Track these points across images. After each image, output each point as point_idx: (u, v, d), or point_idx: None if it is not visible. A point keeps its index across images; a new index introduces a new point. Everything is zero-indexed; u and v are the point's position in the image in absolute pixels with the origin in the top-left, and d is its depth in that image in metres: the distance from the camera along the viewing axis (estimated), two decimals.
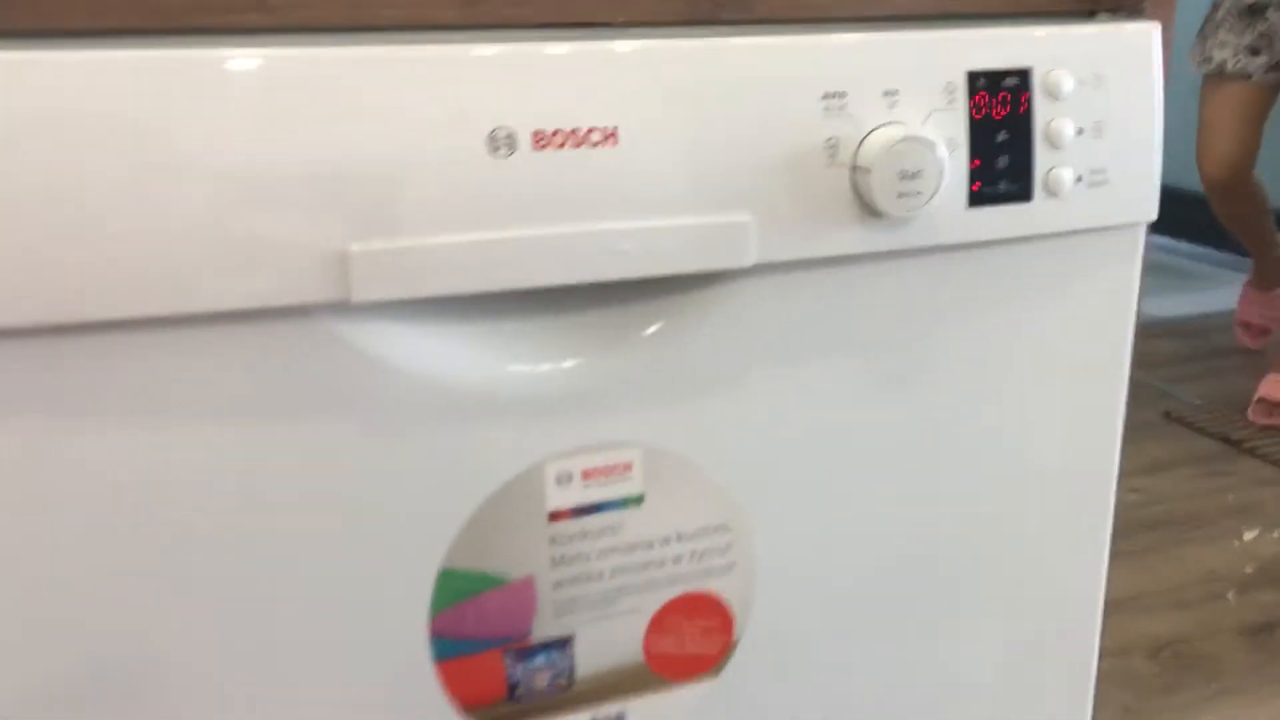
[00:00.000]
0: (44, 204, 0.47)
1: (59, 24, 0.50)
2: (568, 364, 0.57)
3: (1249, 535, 1.86)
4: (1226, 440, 2.15)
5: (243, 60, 0.49)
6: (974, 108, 0.59)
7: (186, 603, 0.54)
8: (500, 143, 0.52)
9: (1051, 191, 0.61)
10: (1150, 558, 1.78)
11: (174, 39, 0.51)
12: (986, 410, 0.65)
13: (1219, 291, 2.87)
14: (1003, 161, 0.60)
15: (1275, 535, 1.86)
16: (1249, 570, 1.76)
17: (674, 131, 0.54)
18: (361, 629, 0.57)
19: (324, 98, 0.50)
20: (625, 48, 0.54)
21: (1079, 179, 0.61)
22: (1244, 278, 2.60)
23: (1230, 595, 1.68)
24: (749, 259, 0.56)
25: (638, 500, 0.60)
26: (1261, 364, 2.41)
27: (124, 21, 0.51)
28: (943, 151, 0.57)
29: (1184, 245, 3.24)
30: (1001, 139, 0.60)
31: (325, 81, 0.50)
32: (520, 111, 0.52)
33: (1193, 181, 2.17)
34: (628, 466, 0.59)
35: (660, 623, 0.62)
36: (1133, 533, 1.80)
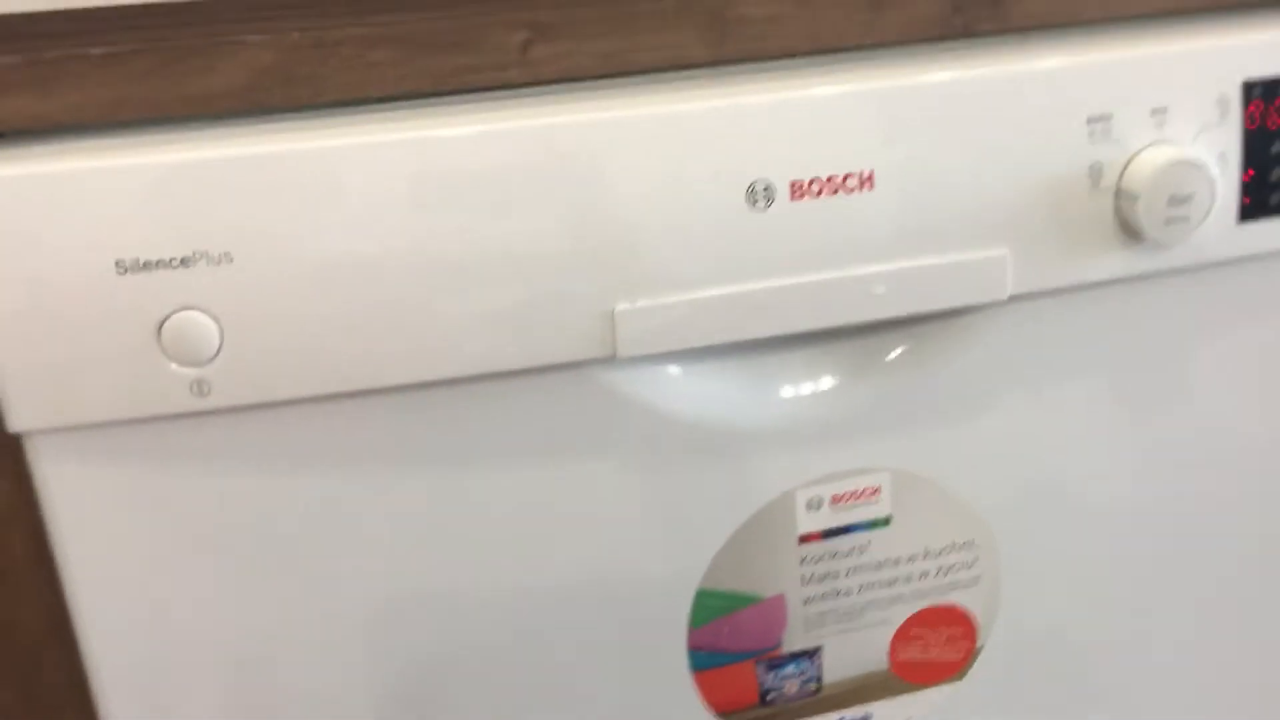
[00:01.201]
0: (340, 296, 0.50)
1: (339, 96, 0.52)
2: (818, 394, 0.58)
3: None
4: None
5: (501, 132, 0.50)
6: (1248, 118, 0.56)
7: (484, 619, 0.58)
8: (759, 195, 0.52)
9: None
10: None
11: (443, 102, 0.53)
12: (1248, 424, 0.63)
13: None
14: (1278, 173, 0.57)
15: None
16: None
17: (930, 170, 0.53)
18: (627, 644, 0.60)
19: (588, 163, 0.51)
20: (880, 85, 0.53)
21: None
22: None
23: None
24: (1005, 293, 0.55)
25: (885, 522, 0.61)
26: None
27: (396, 88, 0.52)
28: (1215, 172, 0.54)
29: None
30: (1277, 150, 0.56)
31: (586, 143, 0.51)
32: (778, 162, 0.52)
33: None
34: (875, 490, 0.60)
35: (905, 633, 0.63)
36: None
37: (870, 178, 0.53)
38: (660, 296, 0.52)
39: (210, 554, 0.54)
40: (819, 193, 0.52)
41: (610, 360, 0.54)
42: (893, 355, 0.58)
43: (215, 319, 0.49)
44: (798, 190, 0.52)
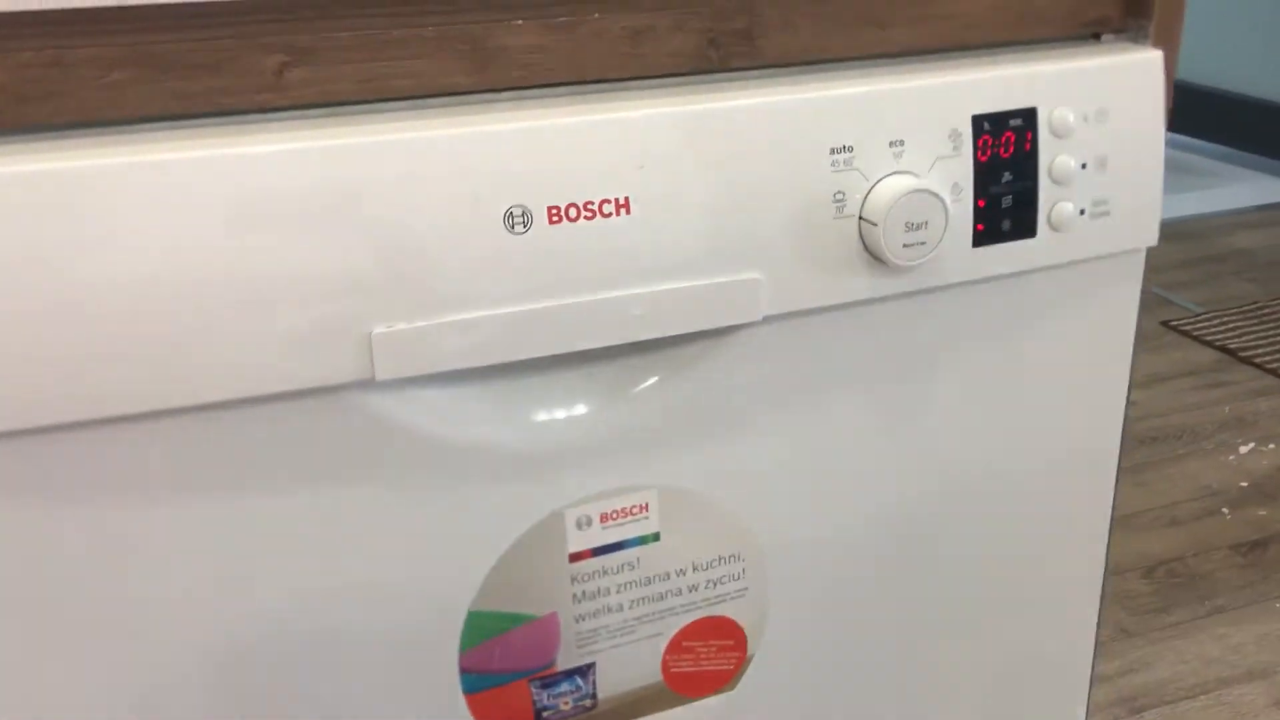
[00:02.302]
0: (93, 307, 0.48)
1: (78, 116, 0.51)
2: (582, 414, 0.59)
3: (1244, 449, 1.88)
4: (1225, 350, 2.16)
5: (250, 156, 0.50)
6: (979, 150, 0.60)
7: (247, 645, 0.57)
8: (516, 220, 0.53)
9: (1055, 226, 0.62)
10: (1145, 474, 1.80)
11: (192, 122, 0.52)
12: (989, 436, 0.67)
13: (1223, 190, 2.84)
14: (1007, 201, 0.61)
15: (1270, 448, 1.89)
16: (1244, 485, 1.79)
17: (685, 196, 0.55)
18: (395, 669, 0.60)
19: (342, 184, 0.51)
20: (635, 115, 0.54)
21: (1082, 212, 0.62)
22: (1254, 175, 2.54)
23: (1224, 511, 1.71)
24: (758, 314, 0.58)
25: (654, 538, 0.62)
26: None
27: (143, 110, 0.51)
28: (948, 201, 0.58)
29: (1193, 141, 3.16)
30: (1006, 179, 0.60)
31: (347, 167, 0.51)
32: (535, 187, 0.53)
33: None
34: (644, 508, 0.61)
35: (677, 645, 0.65)
36: (1128, 449, 1.82)
37: (626, 203, 0.54)
38: (419, 319, 0.53)
39: None
40: (576, 217, 0.54)
41: (371, 383, 0.54)
42: (655, 376, 0.60)
43: None
44: (555, 214, 0.53)
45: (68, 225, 0.48)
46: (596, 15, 0.57)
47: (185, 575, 0.55)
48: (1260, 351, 2.14)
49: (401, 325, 0.52)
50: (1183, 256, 2.61)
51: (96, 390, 0.49)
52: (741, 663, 0.67)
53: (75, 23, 0.50)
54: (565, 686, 0.63)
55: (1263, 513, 1.72)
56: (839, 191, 0.58)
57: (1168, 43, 0.64)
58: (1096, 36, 0.66)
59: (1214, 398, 2.04)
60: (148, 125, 0.52)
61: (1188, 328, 2.23)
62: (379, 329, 0.52)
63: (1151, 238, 0.65)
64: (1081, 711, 0.80)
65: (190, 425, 0.52)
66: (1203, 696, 1.36)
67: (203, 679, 0.57)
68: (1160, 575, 1.59)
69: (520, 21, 0.56)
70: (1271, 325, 2.23)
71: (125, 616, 0.54)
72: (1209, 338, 2.20)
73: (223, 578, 0.55)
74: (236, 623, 0.56)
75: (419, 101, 0.55)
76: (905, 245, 0.58)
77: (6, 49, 0.49)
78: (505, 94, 0.56)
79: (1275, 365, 2.11)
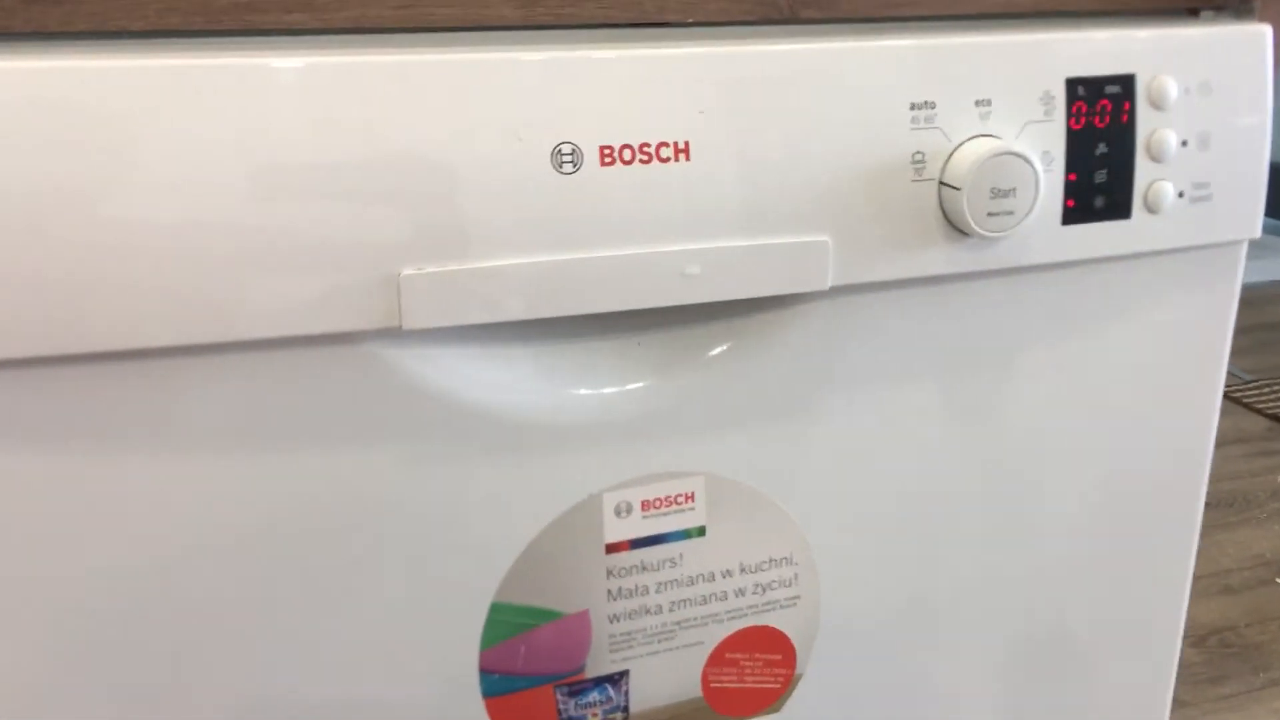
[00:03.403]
0: (85, 225, 0.43)
1: (99, 24, 0.46)
2: (629, 389, 0.54)
3: None
4: (1276, 419, 2.10)
5: (290, 68, 0.45)
6: (1072, 117, 0.54)
7: (230, 626, 0.51)
8: (565, 159, 0.48)
9: (1151, 208, 0.56)
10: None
11: (218, 40, 0.47)
12: (1071, 436, 0.61)
13: (1275, 260, 2.79)
14: (1101, 176, 0.55)
15: None
16: None
17: (749, 146, 0.50)
18: (408, 663, 0.54)
19: (376, 108, 0.46)
20: (697, 53, 0.49)
21: (1181, 194, 0.57)
22: None
23: (1278, 581, 1.65)
24: (826, 282, 0.52)
25: (699, 531, 0.56)
26: None
27: (165, 22, 0.47)
28: (1039, 167, 0.52)
29: None
30: (1101, 151, 0.55)
31: (377, 90, 0.46)
32: (587, 124, 0.48)
33: None
34: (689, 497, 0.55)
35: (720, 657, 0.59)
36: None
37: (686, 148, 0.49)
38: (452, 263, 0.47)
39: None
40: (630, 160, 0.49)
41: (395, 334, 0.48)
42: (710, 349, 0.55)
43: None
44: (608, 155, 0.48)
45: (84, 149, 0.43)
46: None
47: (187, 522, 0.49)
48: None
49: (432, 268, 0.47)
50: (1237, 324, 2.54)
51: (104, 322, 0.44)
52: (789, 681, 0.61)
53: None
54: (595, 695, 0.57)
55: None
56: (918, 152, 0.52)
57: (1275, 21, 0.59)
58: (1195, 13, 0.61)
59: (1266, 465, 1.97)
60: (166, 40, 0.47)
61: (1239, 395, 2.17)
62: (407, 270, 0.47)
63: (1254, 229, 0.59)
64: None
65: (203, 366, 0.47)
66: None
67: (192, 633, 0.51)
68: (1212, 644, 1.52)
69: None
70: None
71: (123, 561, 0.49)
72: (1260, 406, 2.14)
73: (224, 530, 0.50)
74: (228, 580, 0.51)
75: (460, 34, 0.51)
76: (990, 214, 0.52)
77: None
78: (553, 31, 0.52)
79: None
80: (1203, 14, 0.61)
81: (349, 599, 0.52)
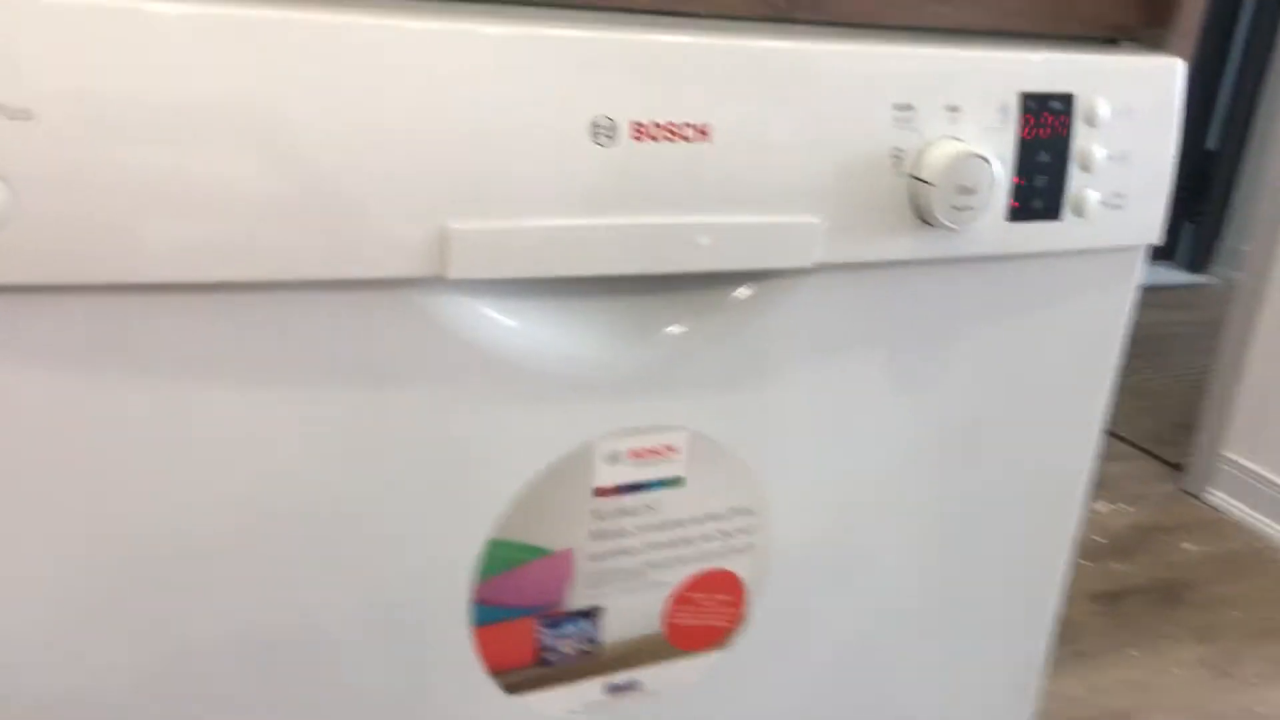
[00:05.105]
0: (154, 168, 0.45)
1: None
2: (626, 346, 0.59)
3: (1103, 508, 1.98)
4: None
5: (351, 28, 0.48)
6: (1025, 128, 0.62)
7: (235, 541, 0.53)
8: (601, 131, 0.52)
9: (1078, 211, 0.64)
10: None
11: None
12: (990, 412, 0.69)
13: None
14: (1041, 180, 0.63)
15: (1123, 508, 1.99)
16: (1102, 541, 1.88)
17: (760, 131, 0.55)
18: (405, 592, 0.57)
19: (427, 71, 0.49)
20: (718, 44, 0.54)
21: (1102, 201, 0.65)
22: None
23: (1085, 564, 1.79)
24: (812, 259, 0.58)
25: (677, 482, 0.61)
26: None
27: None
28: (998, 169, 0.60)
29: None
30: (1042, 159, 0.63)
31: (427, 53, 0.49)
32: (622, 100, 0.52)
33: None
34: (672, 449, 0.61)
35: (681, 596, 0.64)
36: None
37: (706, 130, 0.54)
38: (496, 220, 0.51)
39: None
40: (659, 137, 0.53)
41: (431, 282, 0.52)
42: (700, 316, 0.60)
43: (5, 182, 0.44)
44: (639, 131, 0.53)
45: (151, 66, 0.45)
46: None
47: (211, 457, 0.51)
48: (1113, 422, 2.25)
49: (478, 223, 0.51)
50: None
51: (138, 249, 0.46)
52: (738, 620, 0.67)
53: None
54: (570, 629, 0.62)
55: (1118, 567, 1.80)
56: (897, 147, 0.59)
57: (1182, 55, 0.68)
58: (1114, 42, 0.69)
59: None
60: None
61: None
62: (455, 224, 0.50)
63: (1156, 235, 0.68)
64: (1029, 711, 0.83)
65: (248, 303, 0.49)
66: None
67: (208, 561, 0.54)
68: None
69: None
70: (1126, 396, 2.36)
71: (146, 491, 0.51)
72: None
73: (247, 463, 0.52)
74: (252, 509, 0.53)
75: (489, 5, 0.54)
76: (954, 207, 0.59)
77: None
78: (580, 10, 0.56)
79: (1125, 434, 2.24)
80: (1121, 44, 0.69)
81: (363, 527, 0.55)
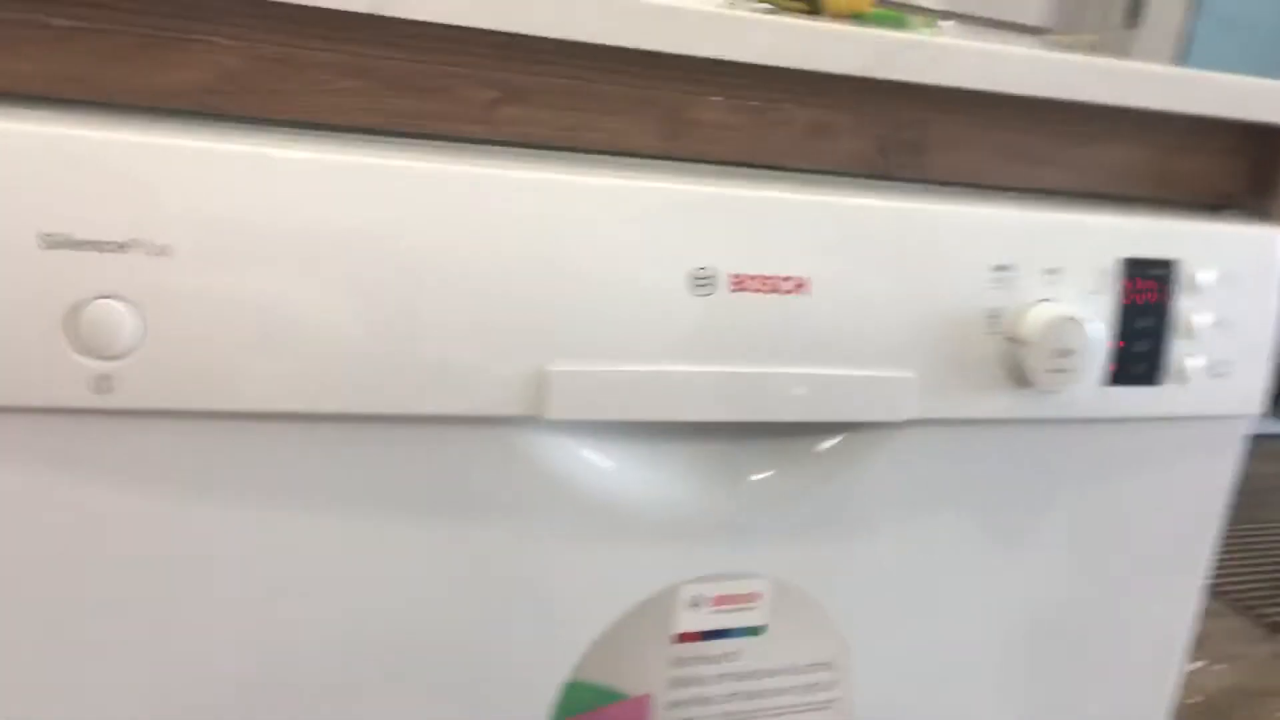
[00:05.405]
0: (270, 302, 0.47)
1: (302, 114, 0.51)
2: (716, 492, 0.59)
3: (1194, 666, 1.90)
4: None
5: (464, 175, 0.50)
6: (1124, 293, 0.61)
7: (315, 673, 0.54)
8: (701, 282, 0.53)
9: (1179, 378, 0.64)
10: None
11: (398, 142, 0.52)
12: (1086, 580, 0.68)
13: None
14: (1142, 345, 0.62)
15: (1218, 668, 1.91)
16: (1196, 700, 1.80)
17: (857, 286, 0.56)
18: None
19: (537, 220, 0.51)
20: (817, 200, 0.56)
21: (1203, 368, 0.64)
22: None
23: None
24: (907, 414, 0.58)
25: (759, 630, 0.61)
26: None
27: (360, 120, 0.52)
28: (1098, 333, 0.59)
29: None
30: (1143, 324, 0.62)
31: (538, 203, 0.51)
32: (722, 252, 0.54)
33: None
34: (756, 596, 0.60)
35: None
36: None
37: (805, 284, 0.55)
38: (596, 364, 0.52)
39: (73, 568, 0.49)
40: (757, 289, 0.54)
41: (528, 422, 0.53)
42: (791, 464, 0.60)
43: (139, 311, 0.46)
44: (738, 283, 0.54)
45: (279, 215, 0.47)
46: (786, 104, 0.58)
47: (300, 588, 0.52)
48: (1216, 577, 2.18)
49: (578, 366, 0.52)
50: None
51: (253, 380, 0.48)
52: None
53: (311, 23, 0.51)
54: None
55: None
56: (994, 308, 0.59)
57: None
58: (1216, 209, 0.69)
59: None
60: (362, 136, 0.52)
61: None
62: (556, 366, 0.52)
63: (1258, 405, 0.67)
64: None
65: (346, 436, 0.51)
66: None
67: (295, 695, 0.54)
68: None
69: (717, 98, 0.57)
70: (1224, 551, 2.28)
71: (236, 622, 0.52)
72: None
73: (335, 596, 0.53)
74: (337, 644, 0.54)
75: (608, 158, 0.56)
76: (1051, 370, 0.59)
77: (246, 37, 0.49)
78: (687, 164, 0.57)
79: (1223, 591, 2.16)
80: (1224, 212, 0.69)
81: (443, 664, 0.55)
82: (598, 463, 0.56)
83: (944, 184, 0.63)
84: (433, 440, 0.52)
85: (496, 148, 0.54)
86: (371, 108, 0.52)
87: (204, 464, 0.50)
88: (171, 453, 0.49)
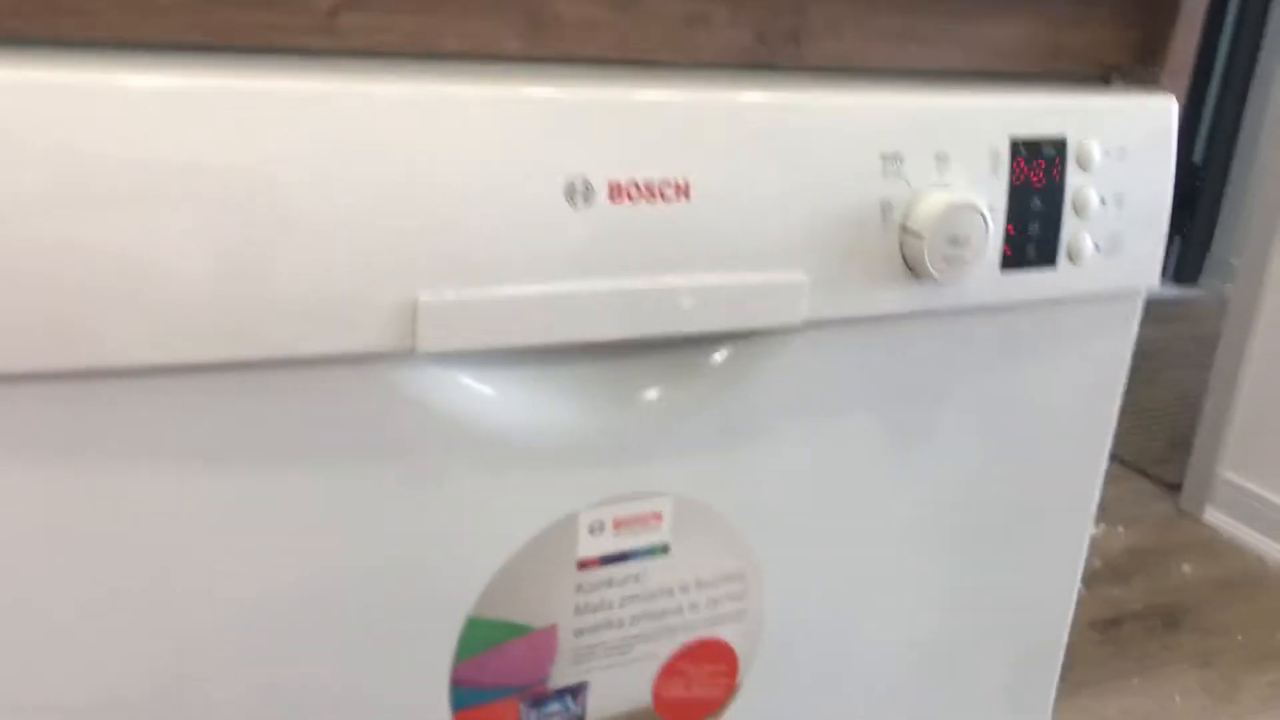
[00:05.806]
0: (98, 248, 0.43)
1: (113, 34, 0.46)
2: (606, 413, 0.56)
3: (1095, 531, 1.96)
4: None
5: (312, 95, 0.46)
6: (1014, 174, 0.59)
7: (213, 631, 0.51)
8: (577, 193, 0.50)
9: (1073, 258, 0.62)
10: None
11: (235, 57, 0.47)
12: (992, 462, 0.67)
13: None
14: (1034, 228, 0.61)
15: (1119, 530, 1.97)
16: (1097, 565, 1.86)
17: (742, 186, 0.53)
18: (383, 674, 0.55)
19: (395, 137, 0.47)
20: (698, 98, 0.52)
21: (1097, 247, 0.63)
22: None
23: (1083, 590, 1.77)
24: (799, 317, 0.56)
25: (663, 549, 0.59)
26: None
27: (184, 35, 0.47)
28: (989, 218, 0.57)
29: None
30: (1035, 206, 0.61)
31: (395, 120, 0.47)
32: (597, 161, 0.50)
33: None
34: (657, 516, 0.58)
35: (670, 667, 0.62)
36: None
37: (686, 188, 0.52)
38: (468, 290, 0.49)
39: None
40: (637, 197, 0.51)
41: (403, 356, 0.49)
42: (683, 378, 0.57)
43: None
44: (617, 192, 0.50)
45: (97, 148, 0.43)
46: None
47: (172, 546, 0.49)
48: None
49: (449, 294, 0.48)
50: None
51: (121, 338, 0.44)
52: (731, 690, 0.64)
53: None
54: (555, 707, 0.59)
55: (1116, 592, 1.78)
56: (885, 198, 0.56)
57: (1175, 92, 0.66)
58: (1106, 79, 0.67)
59: None
60: (185, 54, 0.47)
61: None
62: (425, 296, 0.48)
63: (1154, 279, 0.66)
64: None
65: (208, 385, 0.47)
66: None
67: (175, 650, 0.51)
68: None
69: None
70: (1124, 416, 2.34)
71: (130, 565, 0.48)
72: None
73: (215, 550, 0.50)
74: (222, 598, 0.51)
75: (466, 63, 0.52)
76: (946, 259, 0.57)
77: None
78: (553, 64, 0.54)
79: (1121, 454, 2.21)
80: (1113, 80, 0.67)
81: (335, 609, 0.53)
82: (482, 392, 0.53)
83: (827, 70, 0.60)
84: (308, 385, 0.49)
85: (343, 59, 0.50)
86: (195, 22, 0.47)
87: (72, 429, 0.45)
88: (37, 419, 0.45)
